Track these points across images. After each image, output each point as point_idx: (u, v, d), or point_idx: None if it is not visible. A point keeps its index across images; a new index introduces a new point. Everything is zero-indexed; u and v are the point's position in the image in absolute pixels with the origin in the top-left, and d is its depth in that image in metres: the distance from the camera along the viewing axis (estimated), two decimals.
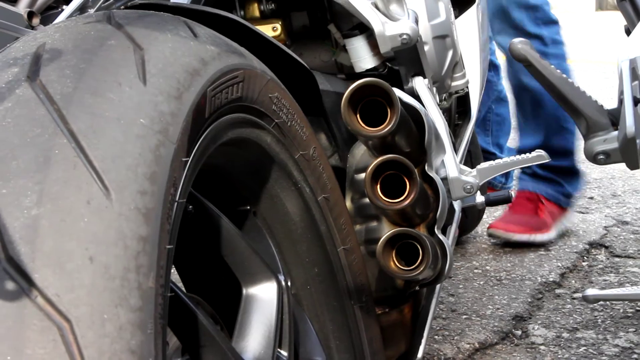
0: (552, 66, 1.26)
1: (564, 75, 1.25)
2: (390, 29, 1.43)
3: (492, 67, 3.13)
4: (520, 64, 1.33)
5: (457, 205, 1.64)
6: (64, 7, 1.89)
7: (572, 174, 2.98)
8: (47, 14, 1.75)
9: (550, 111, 2.86)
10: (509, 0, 2.79)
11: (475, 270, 2.70)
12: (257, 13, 1.61)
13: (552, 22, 2.85)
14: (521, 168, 3.07)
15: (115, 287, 0.65)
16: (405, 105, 1.37)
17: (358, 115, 1.22)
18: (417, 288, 1.52)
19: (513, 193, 2.23)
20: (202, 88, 0.86)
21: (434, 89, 1.72)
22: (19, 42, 0.84)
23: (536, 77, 1.25)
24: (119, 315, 0.64)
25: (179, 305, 0.89)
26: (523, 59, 1.23)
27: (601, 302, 2.36)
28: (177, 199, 0.77)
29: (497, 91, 3.16)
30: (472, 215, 2.79)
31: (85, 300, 0.63)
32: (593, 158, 1.30)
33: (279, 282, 1.07)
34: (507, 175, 3.25)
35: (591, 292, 1.60)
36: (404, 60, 1.54)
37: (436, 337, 2.19)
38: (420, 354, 1.50)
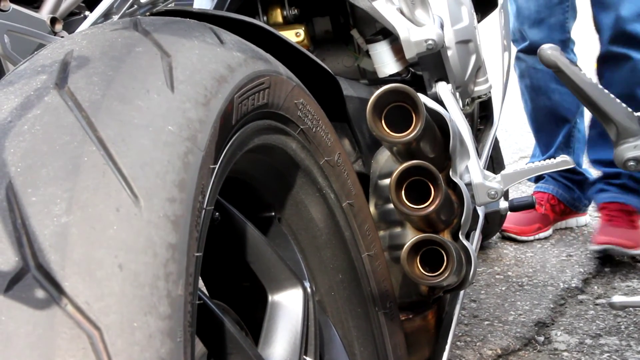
0: (583, 72, 1.24)
1: (594, 81, 1.24)
2: (415, 34, 1.43)
3: None
4: None
5: (480, 211, 1.64)
6: (87, 13, 1.89)
7: None
8: (69, 20, 1.75)
9: None
10: (626, 18, 2.65)
11: (497, 276, 2.69)
12: (280, 19, 1.61)
13: None
14: (606, 181, 3.02)
15: (145, 295, 0.64)
16: (430, 110, 1.37)
17: (383, 121, 1.22)
18: (441, 294, 1.52)
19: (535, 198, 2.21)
20: (229, 95, 0.86)
21: (457, 94, 1.72)
22: (47, 50, 0.84)
23: (566, 83, 1.24)
24: (149, 323, 0.63)
25: (205, 312, 0.89)
26: (553, 65, 1.22)
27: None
28: (205, 206, 0.76)
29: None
30: (493, 221, 2.78)
31: (115, 308, 0.62)
32: (623, 164, 1.29)
33: (304, 289, 1.06)
34: (584, 193, 3.18)
35: (617, 298, 1.58)
36: (427, 65, 1.54)
37: (458, 343, 2.18)
38: None
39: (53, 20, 1.51)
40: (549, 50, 1.22)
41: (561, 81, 1.25)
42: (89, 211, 0.66)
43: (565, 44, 2.95)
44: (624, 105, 1.25)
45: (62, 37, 1.48)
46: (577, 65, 1.23)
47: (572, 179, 3.12)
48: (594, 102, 1.25)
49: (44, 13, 1.57)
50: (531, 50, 2.94)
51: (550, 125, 3.08)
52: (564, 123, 3.07)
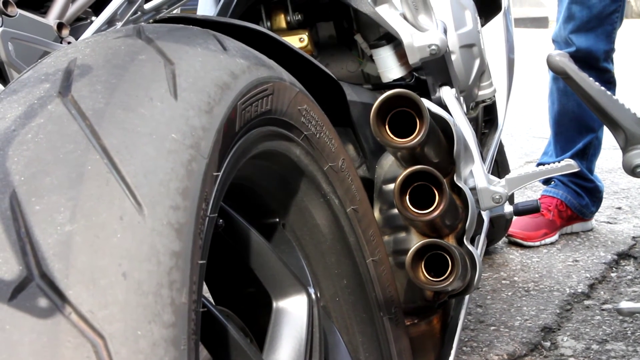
0: (591, 79, 1.24)
1: (602, 88, 1.24)
2: (419, 39, 1.43)
3: (613, 86, 3.04)
4: None
5: (485, 216, 1.63)
6: (93, 18, 1.89)
7: None
8: (76, 25, 1.75)
9: None
10: None
11: (503, 281, 2.68)
12: (283, 24, 1.61)
13: None
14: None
15: (149, 303, 0.64)
16: (434, 115, 1.37)
17: (387, 127, 1.22)
18: (446, 299, 1.51)
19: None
20: (232, 102, 0.86)
21: (461, 98, 1.72)
22: (50, 58, 0.84)
23: (574, 89, 1.23)
24: (153, 332, 0.63)
25: (209, 319, 0.89)
26: (561, 71, 1.21)
27: None
28: (208, 213, 0.76)
29: None
30: (498, 225, 2.77)
31: (119, 317, 0.62)
32: (632, 171, 1.28)
33: (309, 295, 1.06)
34: (598, 202, 3.19)
35: (625, 304, 1.58)
36: (431, 70, 1.54)
37: (464, 348, 2.18)
38: None
39: (60, 26, 1.51)
40: (557, 56, 1.22)
41: (570, 88, 1.24)
42: (93, 220, 0.66)
43: (608, 54, 2.94)
44: (632, 111, 1.25)
45: (68, 42, 1.48)
46: (611, 69, 1.22)
47: (583, 185, 3.10)
48: (602, 109, 1.24)
49: (51, 18, 1.57)
50: (575, 56, 2.93)
51: (572, 131, 3.06)
52: (588, 132, 3.06)
